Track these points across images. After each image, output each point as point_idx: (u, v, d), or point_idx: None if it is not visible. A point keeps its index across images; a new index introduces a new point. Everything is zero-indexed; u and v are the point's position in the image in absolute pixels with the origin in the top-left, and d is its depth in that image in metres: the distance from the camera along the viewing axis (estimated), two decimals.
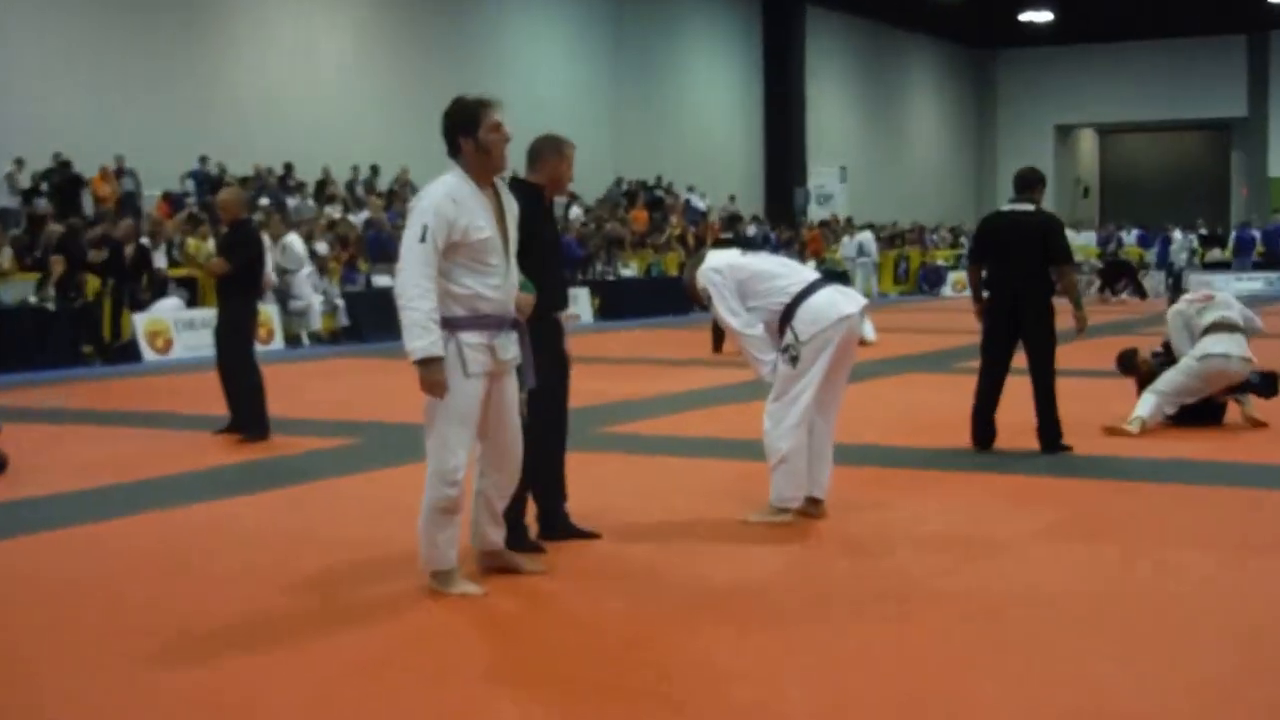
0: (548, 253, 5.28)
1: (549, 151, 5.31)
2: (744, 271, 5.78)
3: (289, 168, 21.95)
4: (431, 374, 4.44)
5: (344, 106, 23.78)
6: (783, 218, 31.77)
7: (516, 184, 5.32)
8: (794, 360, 5.69)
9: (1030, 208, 7.73)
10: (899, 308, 25.60)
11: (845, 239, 29.56)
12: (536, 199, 5.27)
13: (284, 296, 17.12)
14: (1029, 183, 7.81)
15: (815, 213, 34.76)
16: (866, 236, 29.94)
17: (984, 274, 7.87)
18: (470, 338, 4.55)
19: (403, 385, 13.06)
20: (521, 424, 4.91)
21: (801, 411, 5.68)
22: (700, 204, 29.34)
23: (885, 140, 39.88)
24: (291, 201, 20.87)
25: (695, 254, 6.24)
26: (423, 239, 4.46)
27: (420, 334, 4.42)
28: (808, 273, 5.94)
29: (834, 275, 30.58)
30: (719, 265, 5.82)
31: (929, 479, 7.01)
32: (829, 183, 36.85)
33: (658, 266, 24.61)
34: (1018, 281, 7.58)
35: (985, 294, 7.88)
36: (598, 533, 5.53)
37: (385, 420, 9.57)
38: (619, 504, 5.95)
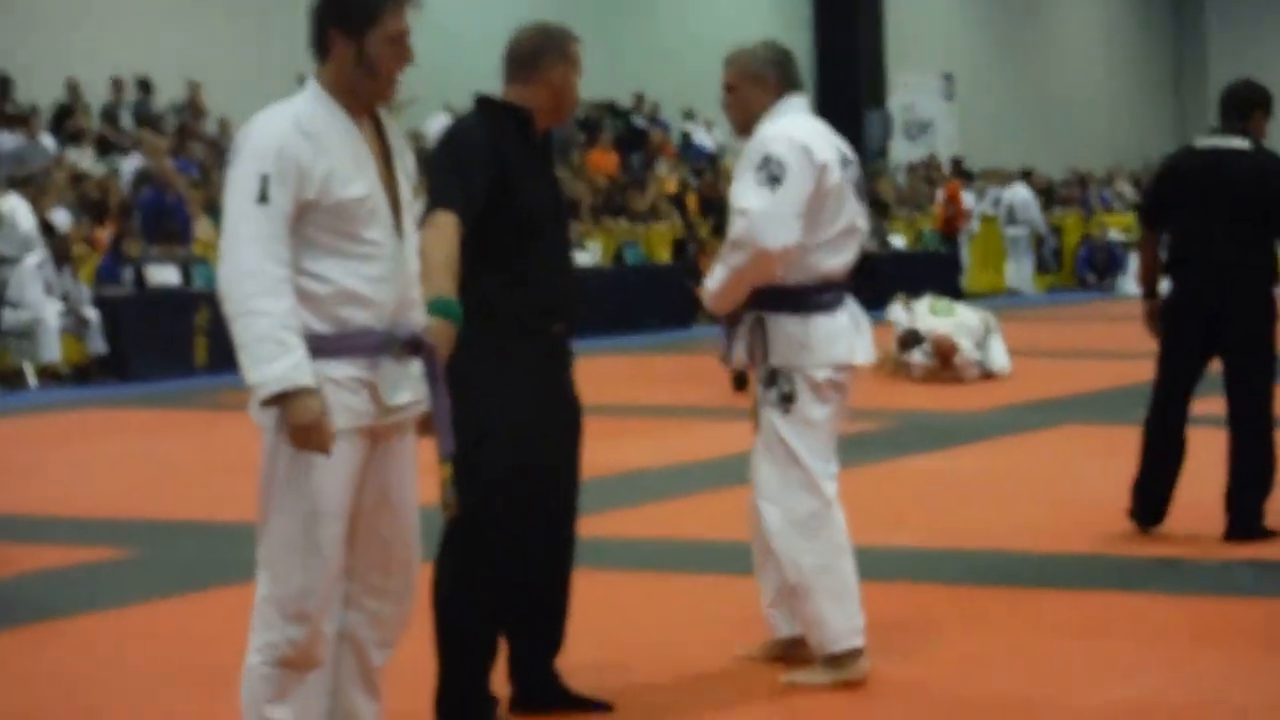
0: (547, 222, 5.36)
1: (549, 52, 5.40)
2: (827, 187, 5.82)
3: (4, 84, 21.96)
4: (302, 411, 4.41)
5: None
6: None
7: (490, 108, 5.40)
8: (786, 400, 5.84)
9: (1244, 144, 8.01)
10: (1048, 312, 25.75)
11: (965, 195, 29.75)
12: (523, 132, 5.36)
13: None
14: (1244, 104, 8.11)
15: (903, 151, 34.96)
16: (1021, 193, 30.14)
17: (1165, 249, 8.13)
18: (334, 369, 4.54)
19: (205, 454, 13.29)
20: (449, 522, 4.93)
21: (828, 486, 5.90)
22: (707, 141, 29.47)
23: (1016, 34, 40.17)
24: (10, 140, 20.86)
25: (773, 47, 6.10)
26: (261, 197, 4.47)
27: (272, 353, 4.41)
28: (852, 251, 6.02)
29: (941, 261, 30.62)
30: (820, 147, 5.83)
31: (1097, 606, 7.08)
32: (924, 101, 37.05)
33: (636, 249, 24.71)
34: (1219, 260, 7.90)
35: (1166, 283, 8.10)
36: (607, 701, 5.62)
37: (174, 517, 9.56)
38: (592, 655, 5.95)
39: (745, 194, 5.74)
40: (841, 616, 5.81)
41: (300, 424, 4.41)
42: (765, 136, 5.82)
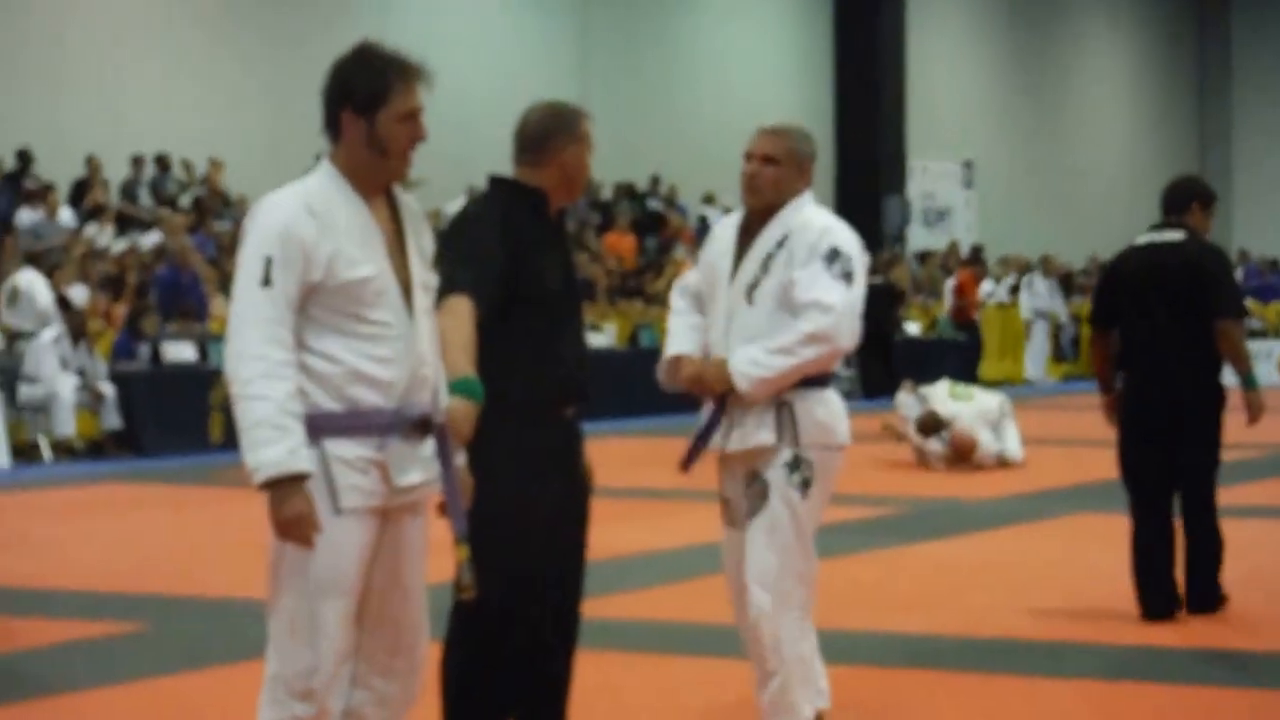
0: (562, 303, 5.38)
1: (560, 132, 5.41)
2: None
3: (25, 159, 22.09)
4: (289, 504, 4.45)
5: (123, 60, 24.01)
6: (866, 245, 31.90)
7: (503, 189, 5.42)
8: (806, 485, 5.81)
9: (1179, 237, 8.41)
10: (1062, 401, 25.64)
11: (986, 283, 29.71)
12: (537, 212, 5.37)
13: (12, 378, 17.13)
14: (1182, 198, 8.52)
15: (921, 238, 35.00)
16: (1040, 281, 30.16)
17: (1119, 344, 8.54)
18: (343, 448, 4.57)
19: (217, 530, 13.30)
20: (461, 601, 4.92)
21: (814, 577, 5.90)
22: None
23: (1038, 123, 40.23)
24: (28, 215, 20.97)
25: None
26: (266, 281, 4.50)
27: (269, 438, 4.45)
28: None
29: (960, 348, 30.15)
30: (859, 248, 5.97)
31: (1104, 695, 7.11)
32: (944, 189, 37.12)
33: (651, 332, 24.76)
34: (1163, 353, 8.33)
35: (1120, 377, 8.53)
36: None
37: (184, 593, 9.59)
38: None
39: (822, 287, 5.71)
40: (809, 701, 5.83)
41: (284, 517, 4.44)
42: (823, 228, 5.83)
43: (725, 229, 6.01)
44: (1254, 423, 8.31)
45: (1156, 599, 8.32)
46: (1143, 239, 8.54)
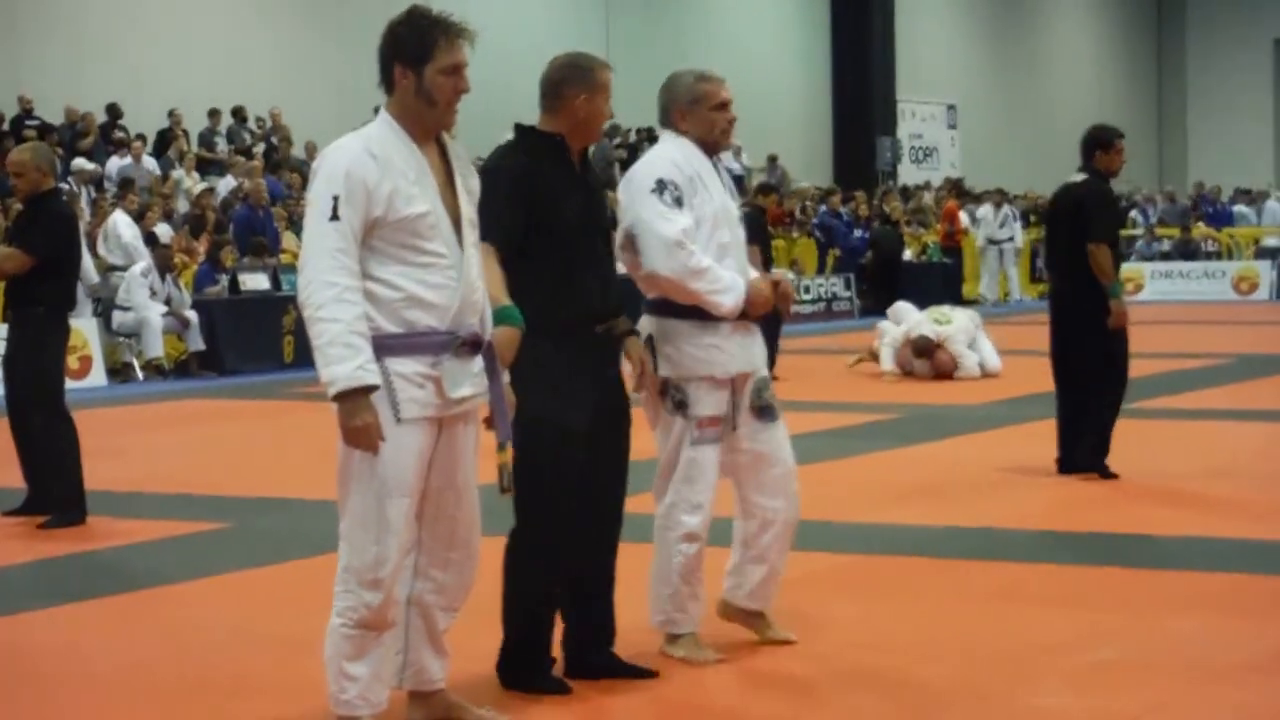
0: (583, 236, 5.31)
1: (574, 82, 5.33)
2: None
3: (114, 111, 22.05)
4: (358, 415, 4.45)
5: (198, 20, 23.95)
6: (860, 182, 31.87)
7: (527, 136, 5.36)
8: None
9: (1080, 178, 9.24)
10: (1036, 318, 25.53)
11: (970, 211, 29.51)
12: (557, 156, 5.31)
13: (107, 307, 17.17)
14: (1087, 145, 9.30)
15: (910, 175, 34.87)
16: (991, 213, 29.94)
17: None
18: (402, 365, 4.57)
19: (291, 439, 13.33)
20: (515, 502, 4.91)
21: None
22: (736, 165, 29.46)
23: (1014, 67, 40.06)
24: (118, 162, 20.96)
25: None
26: (334, 215, 4.50)
27: (341, 355, 4.44)
28: None
29: (945, 270, 30.02)
30: None
31: (1080, 579, 7.07)
32: (930, 130, 37.00)
33: None
34: (1062, 270, 9.32)
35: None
36: (652, 669, 5.57)
37: (264, 494, 9.61)
38: (641, 618, 5.94)
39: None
40: None
41: (353, 426, 4.44)
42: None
43: (704, 168, 5.64)
44: (1115, 328, 9.05)
45: (1067, 452, 9.28)
46: (1071, 178, 9.34)
